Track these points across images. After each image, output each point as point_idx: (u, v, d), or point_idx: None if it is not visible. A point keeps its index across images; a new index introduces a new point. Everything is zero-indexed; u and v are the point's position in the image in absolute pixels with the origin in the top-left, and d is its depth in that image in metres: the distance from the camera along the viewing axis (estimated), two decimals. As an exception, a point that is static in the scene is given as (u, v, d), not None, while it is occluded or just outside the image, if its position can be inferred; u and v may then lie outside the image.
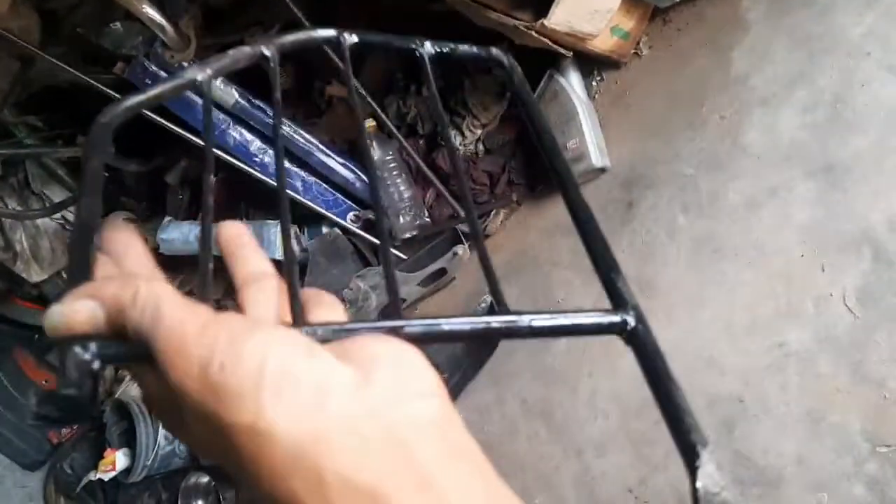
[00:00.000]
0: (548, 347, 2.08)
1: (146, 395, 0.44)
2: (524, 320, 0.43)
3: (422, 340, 0.41)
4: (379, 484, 0.32)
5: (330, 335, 0.39)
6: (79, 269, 0.43)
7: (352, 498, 0.32)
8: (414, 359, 0.38)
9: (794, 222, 1.76)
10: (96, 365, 0.37)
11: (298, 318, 0.42)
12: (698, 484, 0.38)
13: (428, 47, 0.64)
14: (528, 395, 2.07)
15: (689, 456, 0.40)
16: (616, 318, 0.45)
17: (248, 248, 0.52)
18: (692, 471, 0.39)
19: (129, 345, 0.38)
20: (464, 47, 0.67)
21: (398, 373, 0.37)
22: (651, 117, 2.04)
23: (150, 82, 2.22)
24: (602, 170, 2.07)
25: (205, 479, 2.66)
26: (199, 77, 0.58)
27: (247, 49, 0.60)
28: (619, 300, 0.46)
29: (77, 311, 0.38)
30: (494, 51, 0.68)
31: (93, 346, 0.37)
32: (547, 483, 2.01)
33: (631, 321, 0.45)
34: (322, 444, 0.33)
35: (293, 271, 0.45)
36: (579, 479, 1.97)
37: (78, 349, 0.37)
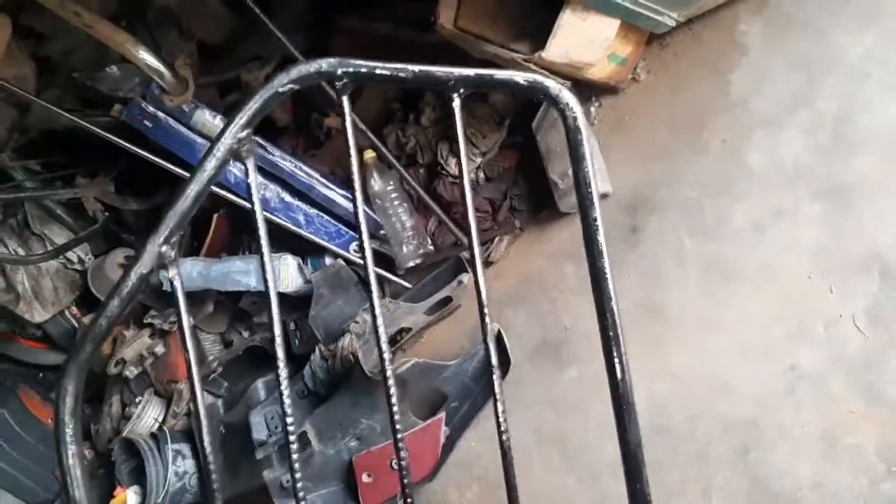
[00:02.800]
0: (559, 376, 2.07)
1: None
2: None
3: None
4: None
5: None
6: None
7: None
8: None
9: (801, 244, 1.76)
10: None
11: None
12: None
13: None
14: (541, 424, 2.06)
15: None
16: None
17: None
18: None
19: None
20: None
21: None
22: (652, 141, 2.03)
23: (148, 124, 2.22)
24: (604, 195, 2.06)
25: (217, 514, 2.64)
26: None
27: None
28: None
29: None
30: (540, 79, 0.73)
31: None
32: (562, 511, 2.00)
33: None
34: None
35: None
36: (596, 505, 1.96)
37: None
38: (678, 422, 1.84)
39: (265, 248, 0.54)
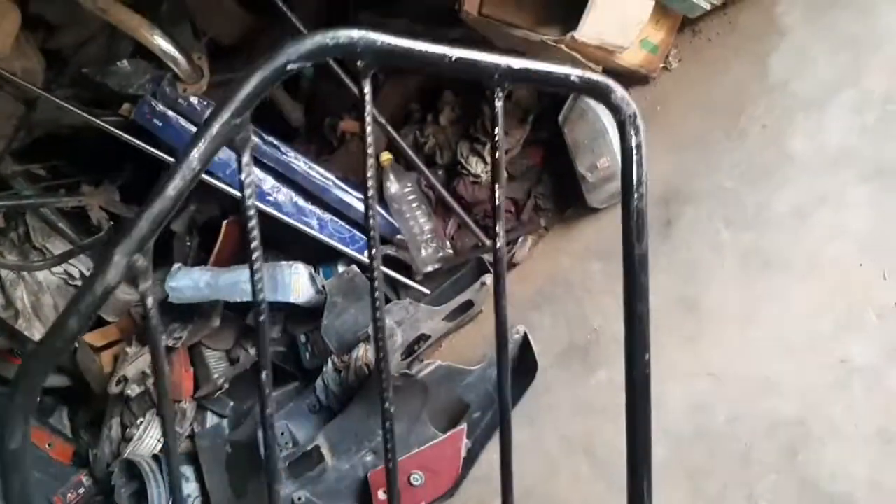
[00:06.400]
0: (587, 380, 1.97)
1: None
2: None
3: None
4: None
5: None
6: None
7: None
8: None
9: (848, 230, 1.67)
10: None
11: None
12: None
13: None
14: (568, 431, 1.95)
15: None
16: None
17: None
18: None
19: None
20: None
21: None
22: (685, 131, 1.96)
23: (158, 123, 2.14)
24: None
25: (220, 540, 2.52)
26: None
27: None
28: None
29: None
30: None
31: None
32: (593, 524, 1.89)
33: None
34: None
35: None
36: (630, 517, 1.85)
37: None
38: (718, 423, 1.73)
39: (257, 253, 0.44)
